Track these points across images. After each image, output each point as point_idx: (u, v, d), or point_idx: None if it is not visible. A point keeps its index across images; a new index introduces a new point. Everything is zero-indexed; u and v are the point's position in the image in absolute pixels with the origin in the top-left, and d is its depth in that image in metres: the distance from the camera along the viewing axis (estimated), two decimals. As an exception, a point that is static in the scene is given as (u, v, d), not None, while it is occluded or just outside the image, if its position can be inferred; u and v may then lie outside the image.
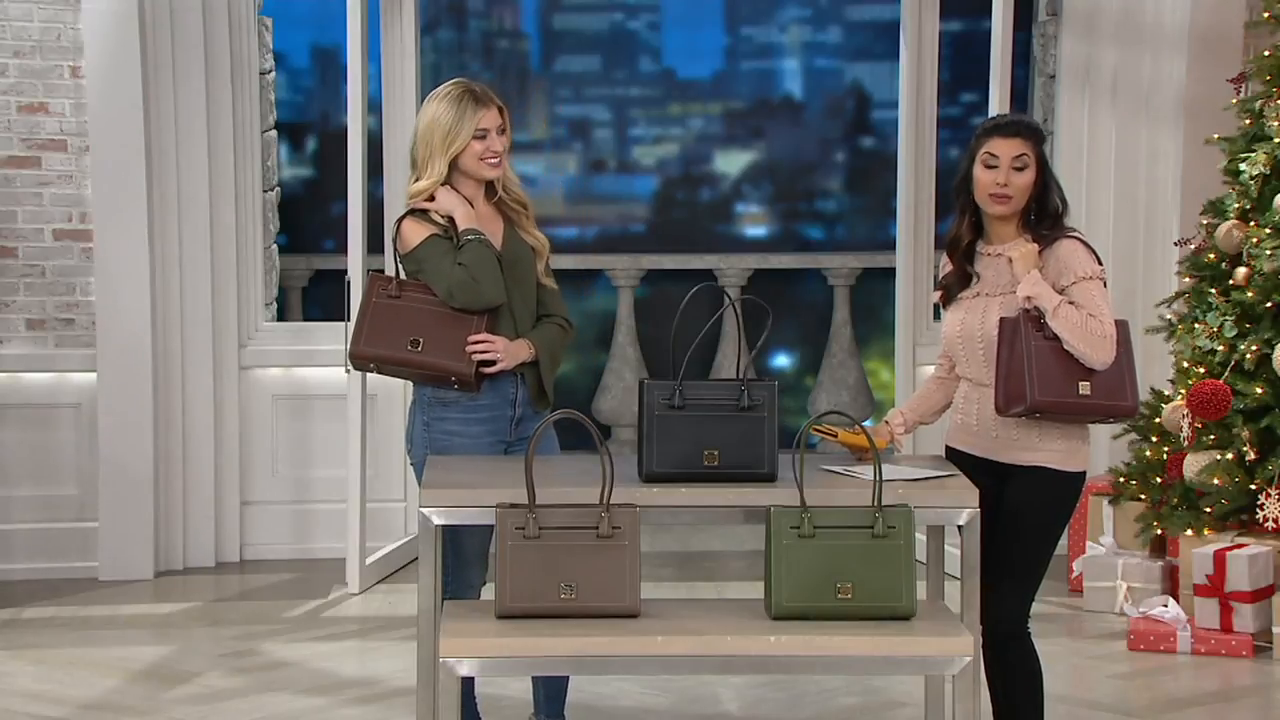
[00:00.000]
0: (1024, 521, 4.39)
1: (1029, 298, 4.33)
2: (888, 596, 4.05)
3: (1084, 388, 4.32)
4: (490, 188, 4.82)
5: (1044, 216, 4.43)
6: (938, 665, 4.06)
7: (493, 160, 4.74)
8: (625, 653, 4.00)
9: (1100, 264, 4.41)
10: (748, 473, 4.27)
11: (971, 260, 4.53)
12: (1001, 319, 4.37)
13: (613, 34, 9.73)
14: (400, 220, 4.77)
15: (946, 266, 4.58)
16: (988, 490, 4.34)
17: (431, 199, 4.73)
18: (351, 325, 4.90)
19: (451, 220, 4.71)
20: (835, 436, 4.52)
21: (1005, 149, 4.40)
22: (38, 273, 7.18)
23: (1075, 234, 4.45)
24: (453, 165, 4.73)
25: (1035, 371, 4.29)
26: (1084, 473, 4.45)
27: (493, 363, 4.67)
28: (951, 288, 4.55)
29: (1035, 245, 4.39)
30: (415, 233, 4.73)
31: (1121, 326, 4.37)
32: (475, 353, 4.65)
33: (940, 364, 4.68)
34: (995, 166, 4.39)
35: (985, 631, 4.36)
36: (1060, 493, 4.42)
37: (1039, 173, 4.42)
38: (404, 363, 4.70)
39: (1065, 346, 4.30)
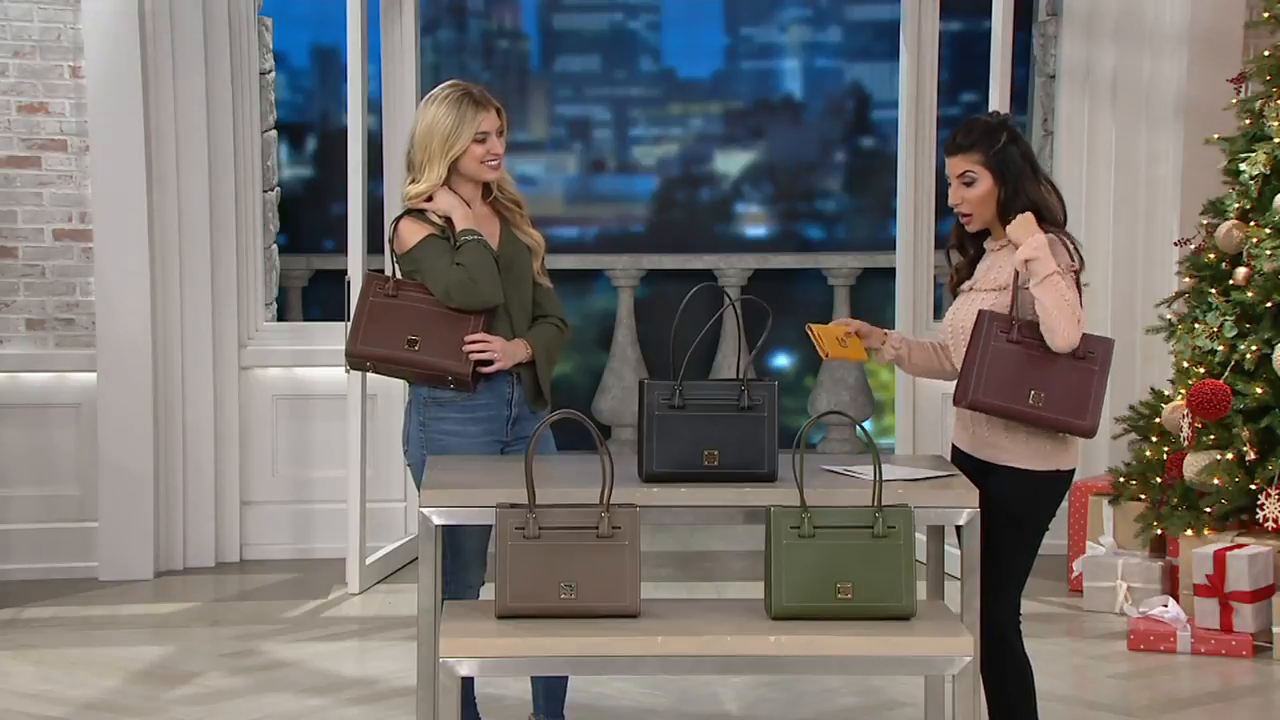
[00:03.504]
0: (997, 521, 4.33)
1: (1027, 260, 4.27)
2: (888, 596, 4.05)
3: (1035, 398, 4.26)
4: (486, 188, 4.82)
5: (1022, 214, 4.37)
6: (938, 665, 4.07)
7: (493, 163, 4.74)
8: (625, 653, 4.00)
9: (1074, 261, 4.32)
10: (748, 473, 4.28)
11: (980, 255, 4.52)
12: (980, 311, 4.34)
13: (613, 34, 9.73)
14: (397, 220, 4.77)
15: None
16: (980, 488, 4.32)
17: (429, 199, 4.73)
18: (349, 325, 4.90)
19: (449, 220, 4.71)
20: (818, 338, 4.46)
21: (950, 167, 4.40)
22: (38, 273, 7.18)
23: (1061, 232, 4.40)
24: (451, 168, 4.73)
25: (986, 371, 4.26)
26: (1060, 472, 4.39)
27: (490, 362, 4.67)
28: (961, 275, 4.54)
29: (1031, 214, 4.35)
30: (412, 233, 4.73)
31: (1105, 345, 4.33)
32: (472, 352, 4.65)
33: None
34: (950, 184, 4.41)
35: (975, 631, 4.36)
36: (1032, 493, 4.37)
37: (998, 178, 4.36)
38: (401, 362, 4.70)
39: (1039, 312, 4.24)
